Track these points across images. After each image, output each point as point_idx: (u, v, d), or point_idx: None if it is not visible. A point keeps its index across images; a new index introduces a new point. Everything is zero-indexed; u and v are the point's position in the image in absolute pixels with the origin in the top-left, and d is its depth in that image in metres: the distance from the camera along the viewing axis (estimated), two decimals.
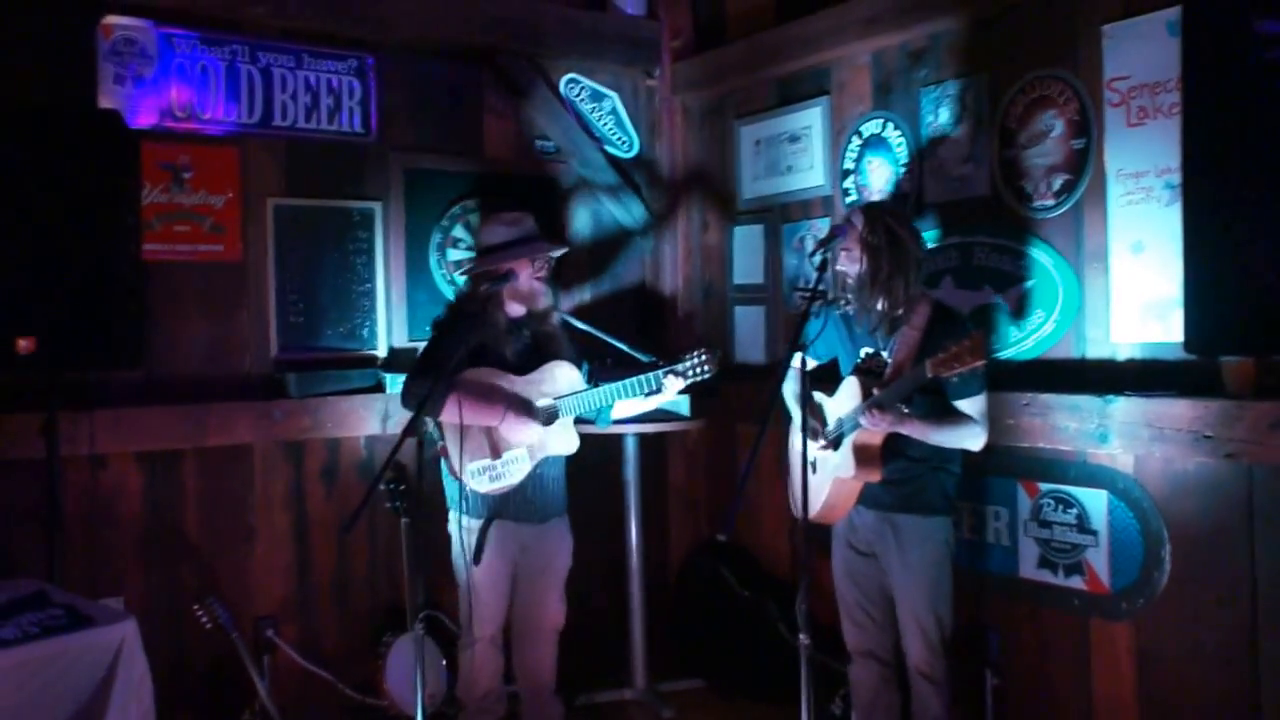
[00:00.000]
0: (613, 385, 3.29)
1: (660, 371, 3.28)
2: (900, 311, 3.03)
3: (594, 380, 3.41)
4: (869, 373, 3.07)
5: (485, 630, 3.35)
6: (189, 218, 3.80)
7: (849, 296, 3.12)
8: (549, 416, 3.31)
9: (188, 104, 3.80)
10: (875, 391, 2.95)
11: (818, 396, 3.21)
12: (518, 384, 3.32)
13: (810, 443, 3.12)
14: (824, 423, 3.16)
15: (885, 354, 3.07)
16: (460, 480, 3.25)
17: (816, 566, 3.26)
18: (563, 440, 3.35)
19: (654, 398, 3.38)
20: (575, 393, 3.31)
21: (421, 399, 3.09)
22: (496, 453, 3.28)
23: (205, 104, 3.83)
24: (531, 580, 3.41)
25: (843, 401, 3.09)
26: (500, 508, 3.31)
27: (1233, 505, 2.90)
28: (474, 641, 3.34)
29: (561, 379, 3.35)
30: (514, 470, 3.29)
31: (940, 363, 2.73)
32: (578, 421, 3.50)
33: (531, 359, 3.37)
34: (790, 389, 3.32)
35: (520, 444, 3.30)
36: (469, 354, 3.21)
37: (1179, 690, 3.04)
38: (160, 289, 3.67)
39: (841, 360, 3.24)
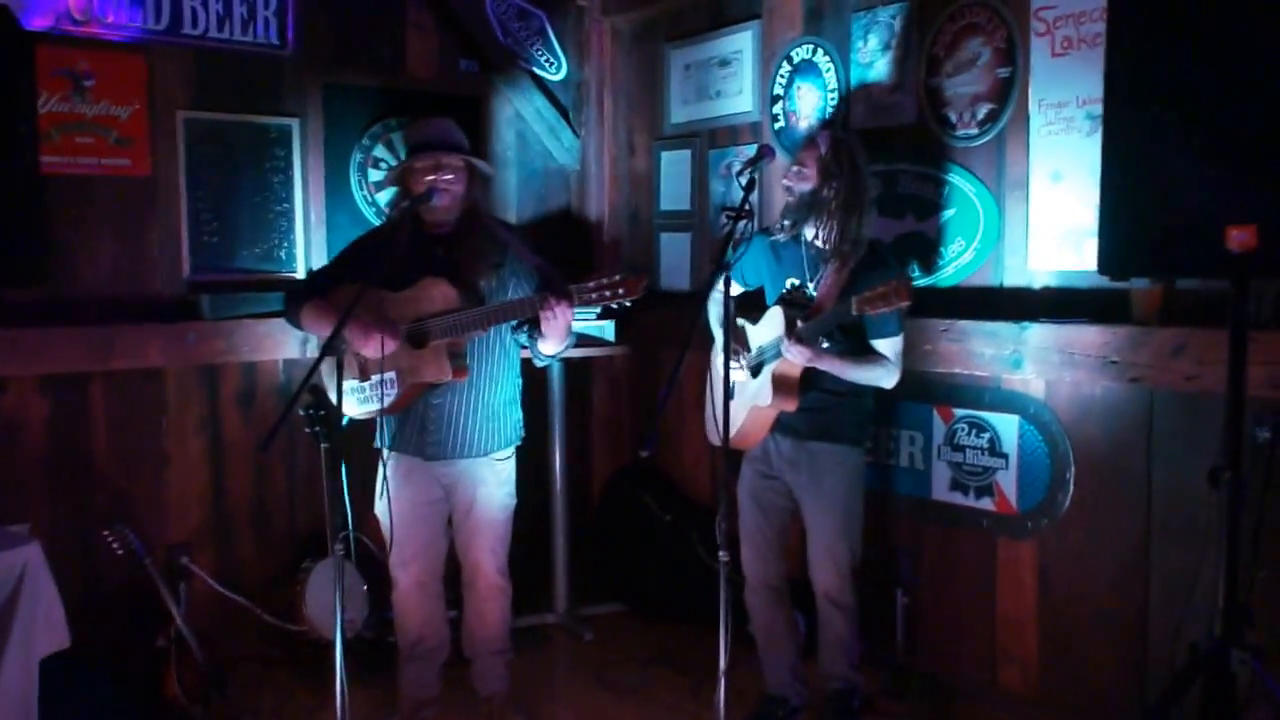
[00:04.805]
0: (489, 307, 2.95)
1: (539, 295, 2.91)
2: (848, 248, 2.99)
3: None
4: (793, 304, 3.07)
5: (405, 572, 3.16)
6: (92, 129, 3.62)
7: (788, 220, 3.10)
8: (418, 338, 2.98)
9: (87, 7, 3.59)
10: (799, 324, 2.96)
11: (741, 322, 3.22)
12: (388, 301, 3.00)
13: (731, 366, 3.13)
14: (746, 348, 3.17)
15: (811, 286, 3.08)
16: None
17: (736, 489, 3.30)
18: (433, 367, 2.98)
19: (552, 324, 2.92)
20: (449, 311, 2.95)
21: (291, 314, 3.07)
22: (365, 374, 3.04)
23: (107, 8, 3.62)
24: (458, 526, 3.19)
25: (765, 330, 3.10)
26: (395, 440, 3.12)
27: (1134, 428, 3.00)
28: (397, 582, 3.18)
29: (438, 297, 2.97)
30: (383, 394, 3.00)
31: (866, 301, 2.74)
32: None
33: (421, 276, 2.99)
34: (714, 312, 3.32)
35: (387, 367, 2.97)
36: (357, 270, 2.96)
37: (1076, 604, 3.17)
38: (62, 204, 3.51)
39: (768, 289, 3.23)
